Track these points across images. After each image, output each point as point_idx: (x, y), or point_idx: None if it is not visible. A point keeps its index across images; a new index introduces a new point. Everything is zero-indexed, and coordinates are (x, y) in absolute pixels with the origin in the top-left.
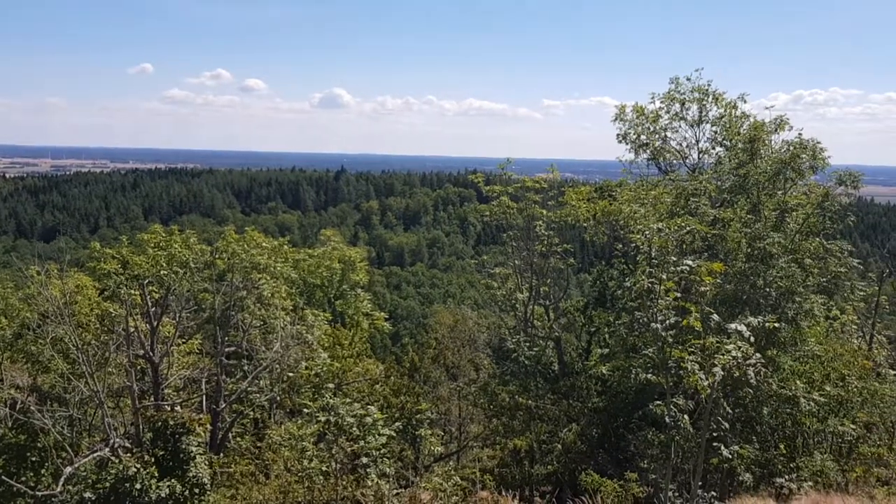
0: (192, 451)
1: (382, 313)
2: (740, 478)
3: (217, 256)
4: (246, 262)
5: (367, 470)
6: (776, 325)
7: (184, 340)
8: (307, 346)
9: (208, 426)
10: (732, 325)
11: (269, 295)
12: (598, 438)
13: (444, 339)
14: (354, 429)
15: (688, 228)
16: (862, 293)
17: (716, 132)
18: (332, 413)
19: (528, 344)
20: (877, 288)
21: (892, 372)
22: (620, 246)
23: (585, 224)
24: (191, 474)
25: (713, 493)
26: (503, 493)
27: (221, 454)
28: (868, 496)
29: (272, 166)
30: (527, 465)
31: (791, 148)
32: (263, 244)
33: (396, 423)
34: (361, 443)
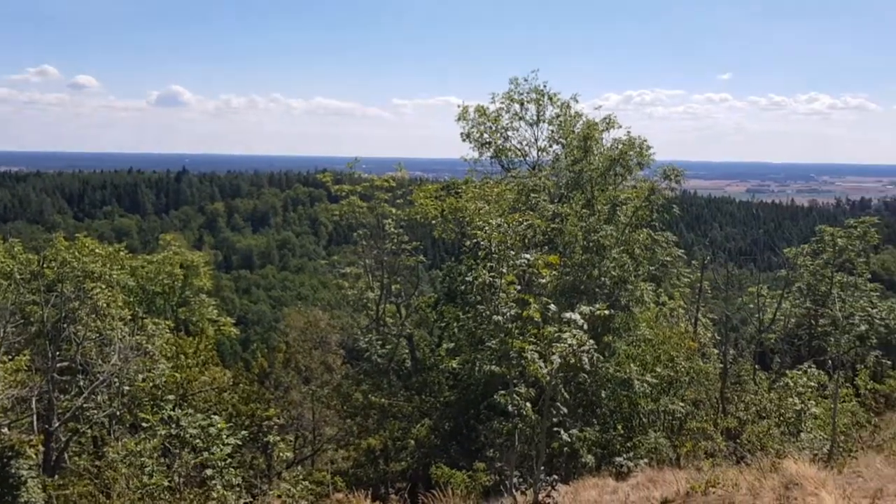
0: (22, 476)
1: (230, 319)
2: (583, 459)
3: (45, 266)
4: (78, 271)
5: (213, 482)
6: (607, 312)
7: (10, 357)
8: (148, 357)
9: (40, 447)
10: (567, 315)
11: (105, 305)
12: (451, 431)
13: (296, 342)
14: (198, 440)
15: (526, 223)
16: (687, 279)
17: (553, 131)
18: (174, 425)
19: (380, 342)
20: (699, 274)
21: (716, 351)
22: (468, 242)
23: (434, 221)
24: (22, 500)
25: (554, 476)
26: (357, 494)
27: (56, 476)
28: (696, 468)
29: (107, 168)
30: (381, 463)
31: (620, 145)
32: (97, 251)
33: (243, 432)
34: (205, 454)
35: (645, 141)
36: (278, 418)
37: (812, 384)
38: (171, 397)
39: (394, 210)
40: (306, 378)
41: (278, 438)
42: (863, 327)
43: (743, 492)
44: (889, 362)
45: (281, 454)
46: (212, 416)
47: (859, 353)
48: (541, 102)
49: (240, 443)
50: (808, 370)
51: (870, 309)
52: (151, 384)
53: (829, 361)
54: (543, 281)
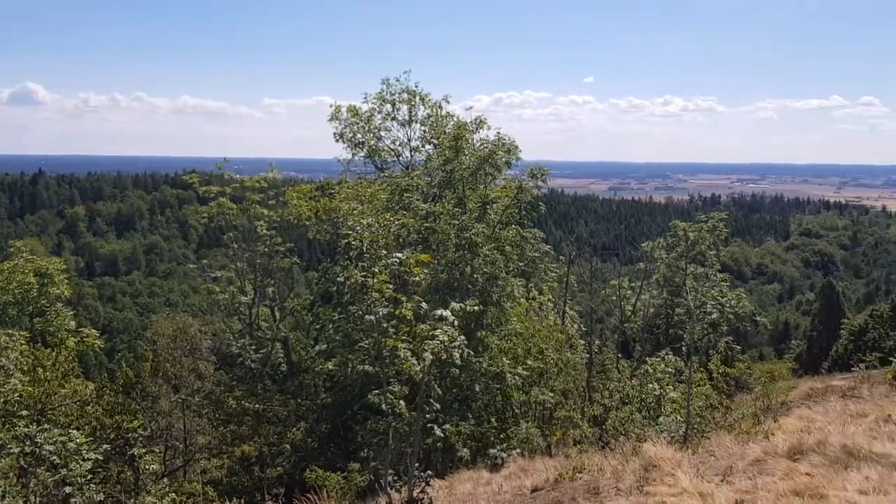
0: None
1: (93, 329)
2: (459, 453)
3: None
4: None
5: (73, 500)
6: (477, 308)
7: None
8: (1, 371)
9: None
10: (438, 312)
11: None
12: (328, 433)
13: (164, 350)
14: (55, 457)
15: (397, 223)
16: (554, 274)
17: (425, 131)
18: (28, 442)
19: (253, 347)
20: (566, 269)
21: (582, 342)
22: (342, 242)
23: (308, 222)
24: None
25: (429, 472)
26: (231, 503)
27: None
28: (565, 456)
29: None
30: (257, 469)
31: (489, 145)
32: None
33: (105, 445)
34: (64, 471)
35: (513, 141)
36: (144, 429)
37: (670, 370)
38: (25, 413)
39: (266, 211)
40: (176, 387)
41: (143, 450)
42: (714, 315)
43: (607, 476)
44: (738, 347)
45: (147, 466)
46: (71, 430)
47: (711, 339)
48: (413, 103)
49: (101, 457)
50: (666, 357)
51: (720, 298)
52: (3, 399)
53: (684, 348)
54: (417, 279)
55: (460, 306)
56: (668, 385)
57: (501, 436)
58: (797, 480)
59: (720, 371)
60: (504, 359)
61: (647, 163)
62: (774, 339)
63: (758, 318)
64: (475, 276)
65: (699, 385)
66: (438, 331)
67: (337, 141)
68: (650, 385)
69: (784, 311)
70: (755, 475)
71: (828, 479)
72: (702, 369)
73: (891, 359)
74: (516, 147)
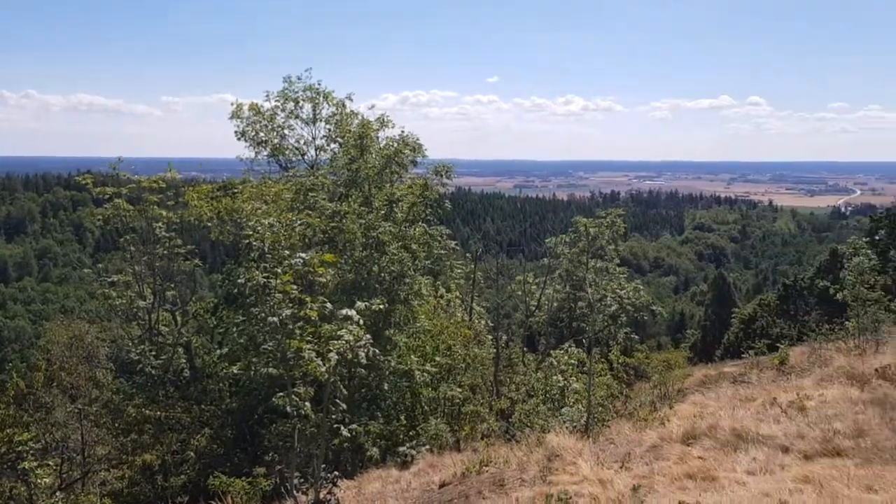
0: None
1: None
2: (368, 453)
3: None
4: None
5: None
6: (382, 306)
7: None
8: None
9: None
10: (343, 311)
11: None
12: (234, 439)
13: (59, 359)
14: None
15: (299, 222)
16: (461, 271)
17: (330, 130)
18: None
19: (153, 353)
20: (473, 266)
21: (490, 337)
22: (244, 243)
23: (210, 223)
24: None
25: (336, 473)
26: None
27: None
28: (473, 450)
29: None
30: (160, 479)
31: (395, 144)
32: None
33: None
34: None
35: (417, 139)
36: (35, 442)
37: (573, 362)
38: None
39: (165, 213)
40: (73, 396)
41: (35, 464)
42: (614, 307)
43: (513, 468)
44: (637, 337)
45: (39, 480)
46: None
47: (612, 331)
48: (317, 101)
49: None
50: (569, 349)
51: (619, 291)
52: None
53: (585, 340)
54: (324, 280)
55: (365, 305)
56: (571, 376)
57: (411, 433)
58: (690, 464)
59: (620, 361)
60: (412, 356)
61: (550, 161)
62: (671, 329)
63: (655, 309)
64: (383, 275)
65: (600, 375)
66: (344, 331)
67: (239, 139)
68: (555, 377)
69: (680, 301)
70: (652, 460)
71: (719, 462)
72: (603, 360)
73: (778, 345)
74: (421, 145)
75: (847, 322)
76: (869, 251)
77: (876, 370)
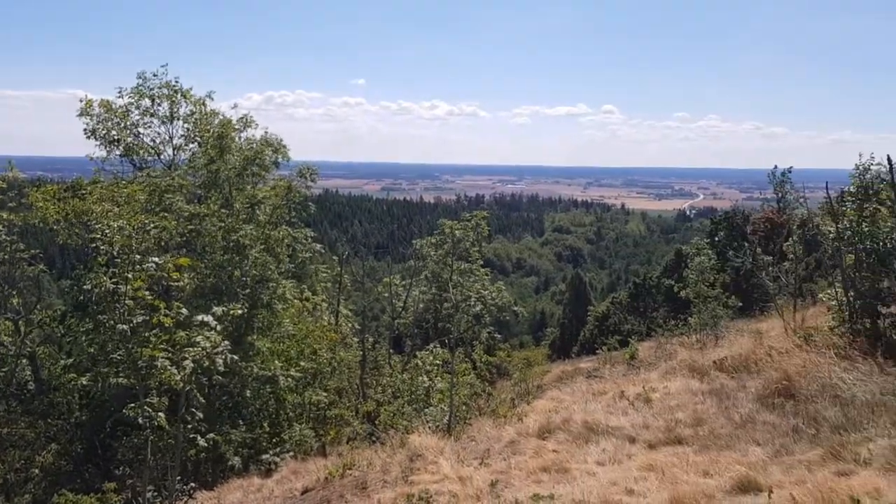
0: None
1: None
2: (230, 462)
3: None
4: None
5: None
6: (240, 311)
7: None
8: None
9: None
10: (199, 317)
11: None
12: (84, 453)
13: None
14: None
15: (153, 225)
16: (326, 274)
17: (188, 129)
18: None
19: None
20: (340, 269)
21: (357, 340)
22: (91, 247)
23: (56, 226)
24: None
25: (192, 484)
26: None
27: None
28: (338, 454)
29: None
30: (1, 499)
31: (256, 145)
32: None
33: None
34: None
35: (281, 140)
36: None
37: (438, 362)
38: None
39: (6, 215)
40: None
41: None
42: (478, 308)
43: (377, 470)
44: (500, 336)
45: None
46: None
47: (476, 331)
48: (174, 99)
49: None
50: (434, 350)
51: (483, 291)
52: None
53: (447, 340)
54: (181, 284)
55: (223, 310)
56: (436, 377)
57: (275, 440)
58: (545, 457)
59: (483, 360)
60: (276, 362)
61: (417, 164)
62: (533, 328)
63: (516, 310)
64: (245, 279)
65: (464, 374)
66: (200, 337)
67: (88, 138)
68: (420, 378)
69: (541, 301)
70: (510, 456)
71: (571, 454)
72: (467, 359)
73: (629, 340)
74: (285, 146)
75: (690, 318)
76: (709, 251)
77: (714, 362)
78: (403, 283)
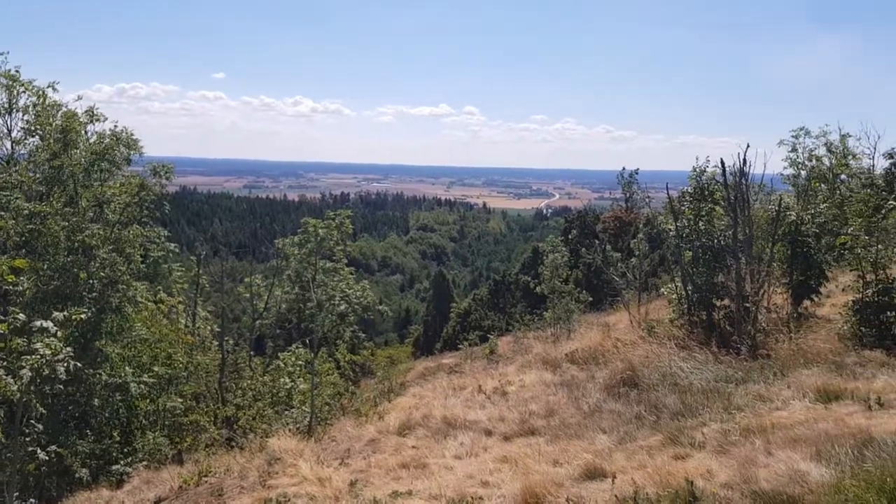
0: None
1: None
2: (77, 475)
3: None
4: None
5: None
6: (83, 315)
7: None
8: None
9: None
10: (38, 323)
11: None
12: None
13: None
14: None
15: None
16: (181, 275)
17: (29, 122)
18: None
19: None
20: (198, 269)
21: (216, 343)
22: None
23: None
24: None
25: (32, 500)
26: None
27: None
28: (195, 462)
29: None
30: None
31: (105, 139)
32: None
33: None
34: None
35: (131, 135)
36: None
37: (300, 363)
38: None
39: None
40: None
41: None
42: (342, 307)
43: (234, 475)
44: (364, 335)
45: None
46: None
47: (340, 330)
48: (13, 89)
49: None
50: (297, 350)
51: (347, 290)
52: None
53: (308, 340)
54: (19, 288)
55: (65, 315)
56: (299, 378)
57: (126, 450)
58: (405, 454)
59: (347, 359)
60: (127, 368)
61: (281, 161)
62: (398, 326)
63: (381, 308)
64: (92, 281)
65: (327, 375)
66: (39, 344)
67: None
68: (282, 379)
69: (406, 299)
70: (370, 454)
71: (430, 450)
72: (330, 359)
73: (489, 336)
74: (137, 141)
75: (545, 312)
76: (563, 248)
77: (566, 355)
78: (265, 283)
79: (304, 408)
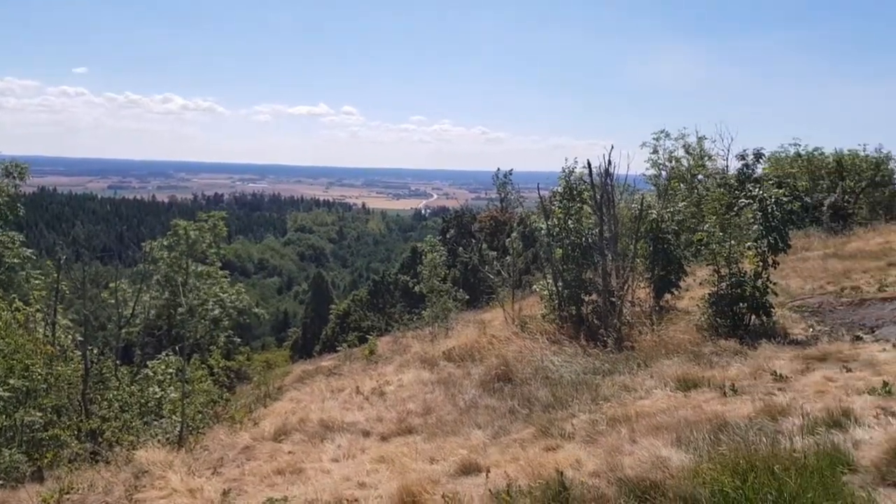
0: None
1: None
2: None
3: None
4: None
5: None
6: None
7: None
8: None
9: None
10: None
11: None
12: None
13: None
14: None
15: None
16: (39, 281)
17: None
18: None
19: None
20: (57, 275)
21: (78, 352)
22: None
23: None
24: None
25: None
26: None
27: None
28: (56, 479)
29: None
30: None
31: None
32: None
33: None
34: None
35: None
36: None
37: (171, 371)
38: None
39: None
40: None
41: None
42: (216, 311)
43: (98, 491)
44: (239, 340)
45: None
46: None
47: (214, 335)
48: None
49: None
50: (167, 358)
51: (221, 294)
52: None
53: (178, 347)
54: None
55: None
56: (169, 386)
57: None
58: (280, 460)
59: (221, 365)
60: None
61: (149, 160)
62: (276, 329)
63: (257, 311)
64: None
65: (200, 382)
66: None
67: None
68: (151, 388)
69: (283, 301)
70: (244, 462)
71: (307, 454)
72: (203, 366)
73: (368, 336)
74: None
75: (424, 311)
76: (442, 248)
77: (443, 353)
78: (132, 288)
79: (174, 417)
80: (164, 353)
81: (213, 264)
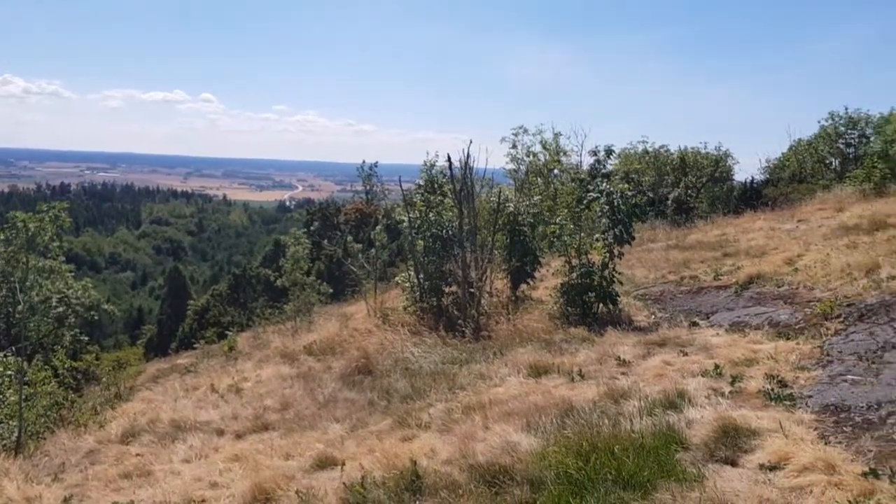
0: None
1: None
2: None
3: None
4: None
5: None
6: None
7: None
8: None
9: None
10: None
11: None
12: None
13: None
14: None
15: None
16: None
17: None
18: None
19: None
20: None
21: None
22: None
23: None
24: None
25: None
26: None
27: None
28: None
29: None
30: None
31: None
32: None
33: None
34: None
35: None
36: None
37: (10, 373)
38: None
39: None
40: None
41: None
42: (60, 309)
43: None
44: (87, 339)
45: None
46: None
47: (58, 334)
48: None
49: None
50: (5, 359)
51: (66, 290)
52: None
53: (15, 347)
54: None
55: None
56: (8, 389)
57: None
58: (127, 463)
59: (66, 366)
60: None
61: None
62: (129, 326)
63: (107, 307)
64: None
65: (43, 384)
66: None
67: None
68: None
69: (138, 297)
70: (88, 466)
71: (156, 456)
72: (47, 367)
73: (228, 332)
74: None
75: (286, 306)
76: (306, 240)
77: (304, 347)
78: None
79: (11, 422)
80: (1, 354)
81: (56, 258)
